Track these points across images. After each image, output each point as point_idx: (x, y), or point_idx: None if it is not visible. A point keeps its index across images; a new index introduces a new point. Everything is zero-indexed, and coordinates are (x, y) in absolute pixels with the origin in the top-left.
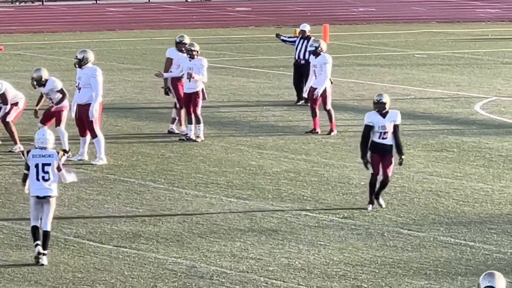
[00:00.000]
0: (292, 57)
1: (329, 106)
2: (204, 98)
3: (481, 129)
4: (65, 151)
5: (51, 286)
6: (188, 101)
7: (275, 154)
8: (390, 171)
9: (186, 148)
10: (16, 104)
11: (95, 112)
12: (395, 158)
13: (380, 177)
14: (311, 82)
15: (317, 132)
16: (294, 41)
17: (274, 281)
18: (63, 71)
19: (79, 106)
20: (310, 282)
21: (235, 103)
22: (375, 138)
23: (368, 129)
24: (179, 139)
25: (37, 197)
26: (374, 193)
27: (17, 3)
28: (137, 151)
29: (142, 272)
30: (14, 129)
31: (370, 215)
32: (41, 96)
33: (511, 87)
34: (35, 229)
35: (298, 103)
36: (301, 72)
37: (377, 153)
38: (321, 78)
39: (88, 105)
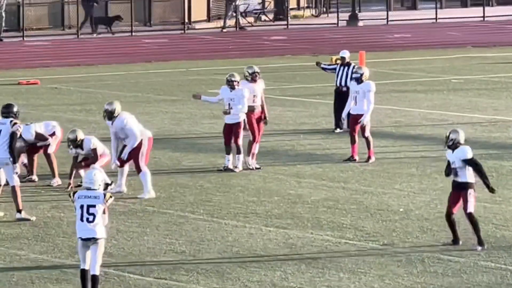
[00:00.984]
0: (329, 85)
1: (367, 133)
2: (245, 129)
3: None
4: (107, 184)
5: None
6: (229, 131)
7: (313, 182)
8: (469, 208)
9: (225, 178)
10: (53, 134)
11: (127, 155)
12: (471, 193)
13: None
14: (349, 108)
15: (355, 160)
16: (334, 69)
17: None
18: (100, 103)
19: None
20: None
21: (272, 132)
22: (451, 174)
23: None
24: (217, 170)
25: (81, 238)
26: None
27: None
28: (176, 183)
29: None
30: (55, 162)
31: (410, 241)
32: (73, 164)
33: None
34: (83, 273)
35: (335, 131)
36: (342, 99)
37: (452, 190)
38: (363, 105)
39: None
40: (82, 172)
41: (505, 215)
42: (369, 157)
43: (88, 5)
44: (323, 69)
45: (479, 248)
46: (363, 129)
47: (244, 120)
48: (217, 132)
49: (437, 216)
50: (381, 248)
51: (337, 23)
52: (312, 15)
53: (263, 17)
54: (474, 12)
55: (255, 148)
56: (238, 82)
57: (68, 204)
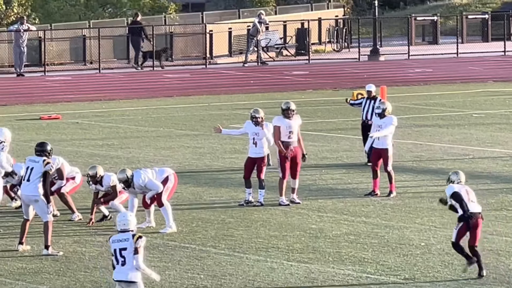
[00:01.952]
0: (351, 119)
1: (390, 168)
2: (268, 164)
3: None
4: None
5: None
6: (252, 165)
7: (335, 217)
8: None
9: (246, 213)
10: (73, 178)
11: (150, 198)
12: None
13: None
14: (371, 142)
15: (377, 194)
16: (361, 103)
17: None
18: (121, 138)
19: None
20: None
21: None
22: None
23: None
24: (239, 204)
25: (115, 280)
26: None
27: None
28: (197, 217)
29: None
30: (69, 199)
31: (431, 276)
32: (94, 201)
33: None
34: None
35: (369, 164)
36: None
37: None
38: (385, 139)
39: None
40: (102, 208)
41: None
42: (390, 192)
43: (137, 39)
44: (351, 104)
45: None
46: (385, 163)
47: (268, 155)
48: (239, 166)
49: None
50: (402, 282)
51: (359, 58)
52: (334, 49)
53: (285, 52)
54: (495, 47)
55: (295, 184)
56: (261, 118)
57: (89, 239)
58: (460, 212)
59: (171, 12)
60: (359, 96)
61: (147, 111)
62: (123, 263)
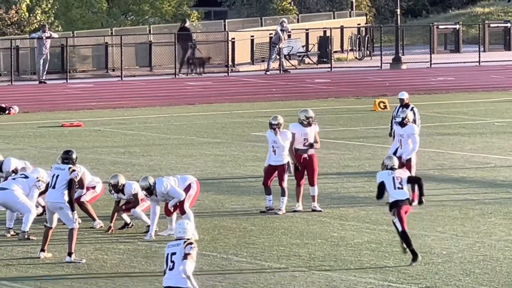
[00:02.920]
0: (372, 127)
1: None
2: (289, 172)
3: None
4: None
5: None
6: (272, 172)
7: (356, 225)
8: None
9: (268, 221)
10: (93, 187)
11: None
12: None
13: None
14: (392, 151)
15: None
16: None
17: None
18: (143, 146)
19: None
20: None
21: None
22: None
23: None
24: (261, 211)
25: (164, 287)
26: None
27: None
28: (219, 225)
29: None
30: (89, 207)
31: (453, 284)
32: (115, 208)
33: None
34: None
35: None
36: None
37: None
38: (408, 148)
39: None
40: (124, 215)
41: None
42: (412, 200)
43: (185, 45)
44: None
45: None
46: (409, 171)
47: (288, 162)
48: (260, 174)
49: (480, 259)
50: None
51: (381, 66)
52: (356, 58)
53: (307, 60)
54: None
55: (314, 191)
56: (278, 125)
57: (111, 246)
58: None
59: (193, 19)
60: (381, 105)
61: (169, 118)
62: (171, 268)
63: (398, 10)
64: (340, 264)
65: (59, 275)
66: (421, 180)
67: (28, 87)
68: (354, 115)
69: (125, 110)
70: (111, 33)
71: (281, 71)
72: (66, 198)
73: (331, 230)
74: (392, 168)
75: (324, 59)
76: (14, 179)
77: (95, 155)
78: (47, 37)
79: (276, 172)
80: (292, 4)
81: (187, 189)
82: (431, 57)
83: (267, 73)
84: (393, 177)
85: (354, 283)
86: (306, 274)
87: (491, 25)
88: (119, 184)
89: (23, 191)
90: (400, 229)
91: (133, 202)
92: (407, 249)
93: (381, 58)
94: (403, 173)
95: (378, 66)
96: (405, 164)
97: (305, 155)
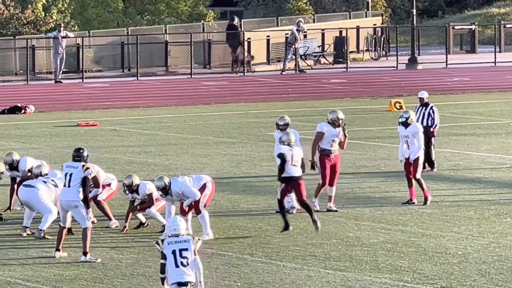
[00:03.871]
0: (388, 128)
1: (418, 176)
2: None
3: None
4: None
5: None
6: None
7: (372, 225)
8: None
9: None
10: (108, 185)
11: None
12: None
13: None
14: (402, 151)
15: (414, 203)
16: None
17: None
18: (159, 145)
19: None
20: None
21: None
22: None
23: None
24: (276, 211)
25: (178, 283)
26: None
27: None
28: (234, 225)
29: None
30: (106, 206)
31: (468, 284)
32: (130, 208)
33: None
34: None
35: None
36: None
37: None
38: (415, 147)
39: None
40: (139, 215)
41: None
42: (426, 198)
43: (233, 43)
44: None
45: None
46: (414, 171)
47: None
48: (276, 174)
49: (495, 259)
50: None
51: (396, 66)
52: (372, 58)
53: (323, 60)
54: None
55: (332, 191)
56: (286, 125)
57: (126, 246)
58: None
59: (209, 20)
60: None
61: (184, 118)
62: (186, 264)
63: (414, 11)
64: (355, 264)
65: (75, 274)
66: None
67: (44, 86)
68: (370, 115)
69: (140, 110)
70: (127, 32)
71: (297, 71)
72: (81, 196)
73: (346, 230)
74: (289, 144)
75: (340, 59)
76: (44, 181)
77: (111, 155)
78: (62, 37)
79: None
80: (308, 4)
81: (202, 188)
82: (447, 57)
83: (283, 73)
84: (292, 154)
85: (369, 283)
86: (321, 274)
87: (507, 25)
88: (133, 184)
89: (48, 194)
90: (279, 197)
91: (147, 202)
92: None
93: (397, 58)
94: (300, 153)
95: (394, 67)
96: (413, 163)
97: (332, 156)
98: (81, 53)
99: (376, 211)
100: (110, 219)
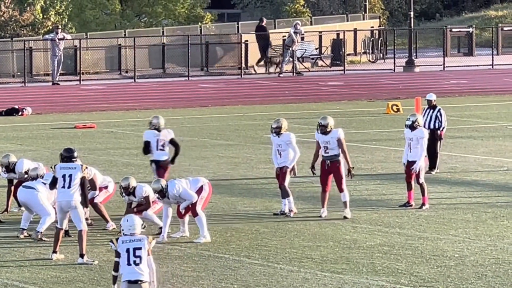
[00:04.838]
0: (385, 130)
1: (422, 180)
2: (294, 174)
3: None
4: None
5: None
6: (279, 174)
7: (369, 227)
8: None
9: (280, 223)
10: (106, 187)
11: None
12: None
13: None
14: (406, 154)
15: (411, 205)
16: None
17: None
18: None
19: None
20: None
21: None
22: None
23: None
24: (273, 214)
25: (129, 281)
26: None
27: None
28: (231, 227)
29: None
30: (103, 209)
31: (465, 287)
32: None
33: None
34: None
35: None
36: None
37: None
38: (417, 152)
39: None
40: None
41: None
42: (423, 204)
43: (263, 44)
44: None
45: None
46: (417, 175)
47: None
48: (273, 177)
49: (492, 262)
50: None
51: (394, 69)
52: (369, 60)
53: (320, 63)
54: None
55: (345, 197)
56: (279, 128)
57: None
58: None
59: (206, 22)
60: (394, 108)
61: (182, 120)
62: (139, 263)
63: (412, 13)
64: (352, 266)
65: (72, 276)
66: (179, 147)
67: (41, 88)
68: (367, 117)
69: (138, 112)
70: (125, 34)
71: (294, 74)
72: (81, 196)
73: (343, 233)
74: (158, 129)
75: (337, 62)
76: (44, 183)
77: (108, 157)
78: (60, 39)
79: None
80: (305, 7)
81: (199, 191)
82: (444, 60)
83: (280, 75)
84: (157, 139)
85: (366, 286)
86: (318, 277)
87: (505, 28)
88: (130, 187)
89: (47, 196)
90: None
91: (144, 204)
92: None
93: (394, 61)
94: (168, 135)
95: (391, 69)
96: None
97: (328, 162)
98: (78, 55)
99: (373, 213)
100: (107, 221)
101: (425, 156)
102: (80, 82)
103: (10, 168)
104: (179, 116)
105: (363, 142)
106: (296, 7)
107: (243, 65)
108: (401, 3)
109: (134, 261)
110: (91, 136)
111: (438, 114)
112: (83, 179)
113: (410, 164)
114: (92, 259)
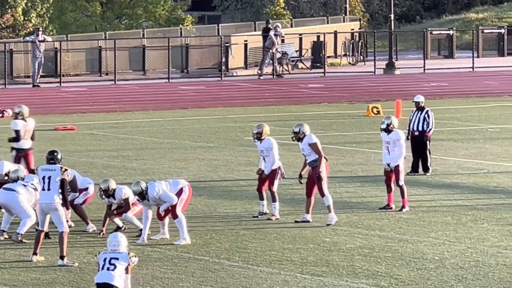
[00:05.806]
0: (365, 133)
1: (401, 182)
2: (282, 177)
3: None
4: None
5: None
6: (265, 179)
7: (349, 230)
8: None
9: (260, 225)
10: (86, 189)
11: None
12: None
13: None
14: (385, 157)
15: (391, 208)
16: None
17: None
18: (136, 150)
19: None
20: None
21: None
22: None
23: None
24: (253, 216)
25: (97, 284)
26: None
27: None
28: (211, 229)
29: None
30: (83, 210)
31: None
32: (107, 213)
33: None
34: None
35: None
36: (415, 142)
37: None
38: (396, 154)
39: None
40: (116, 220)
41: None
42: (403, 206)
43: (270, 46)
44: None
45: None
46: (397, 178)
47: (279, 167)
48: (253, 179)
49: (472, 264)
50: None
51: (374, 71)
52: (349, 63)
53: (300, 65)
54: (511, 61)
55: (326, 201)
56: (259, 134)
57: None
58: None
59: (187, 24)
60: (375, 111)
61: (162, 123)
62: (112, 269)
63: (392, 16)
64: (332, 269)
65: (52, 278)
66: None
67: (22, 90)
68: (347, 120)
69: (118, 114)
70: (105, 37)
71: (275, 76)
72: (60, 198)
73: (323, 235)
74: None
75: (318, 64)
76: (24, 185)
77: (88, 159)
78: (40, 41)
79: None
80: (285, 9)
81: (179, 193)
82: (424, 62)
83: (261, 77)
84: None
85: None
86: (298, 279)
87: (485, 31)
88: (110, 189)
89: (28, 198)
90: None
91: (124, 206)
92: None
93: (375, 63)
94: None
95: (371, 72)
96: (394, 170)
97: (310, 168)
98: (59, 57)
99: (353, 216)
100: (87, 223)
101: (404, 158)
102: (60, 84)
103: None
104: (160, 118)
105: (343, 144)
106: (276, 9)
107: (223, 67)
108: (381, 5)
109: (108, 268)
110: (71, 138)
111: (426, 115)
112: (63, 181)
113: (390, 167)
114: (72, 261)
